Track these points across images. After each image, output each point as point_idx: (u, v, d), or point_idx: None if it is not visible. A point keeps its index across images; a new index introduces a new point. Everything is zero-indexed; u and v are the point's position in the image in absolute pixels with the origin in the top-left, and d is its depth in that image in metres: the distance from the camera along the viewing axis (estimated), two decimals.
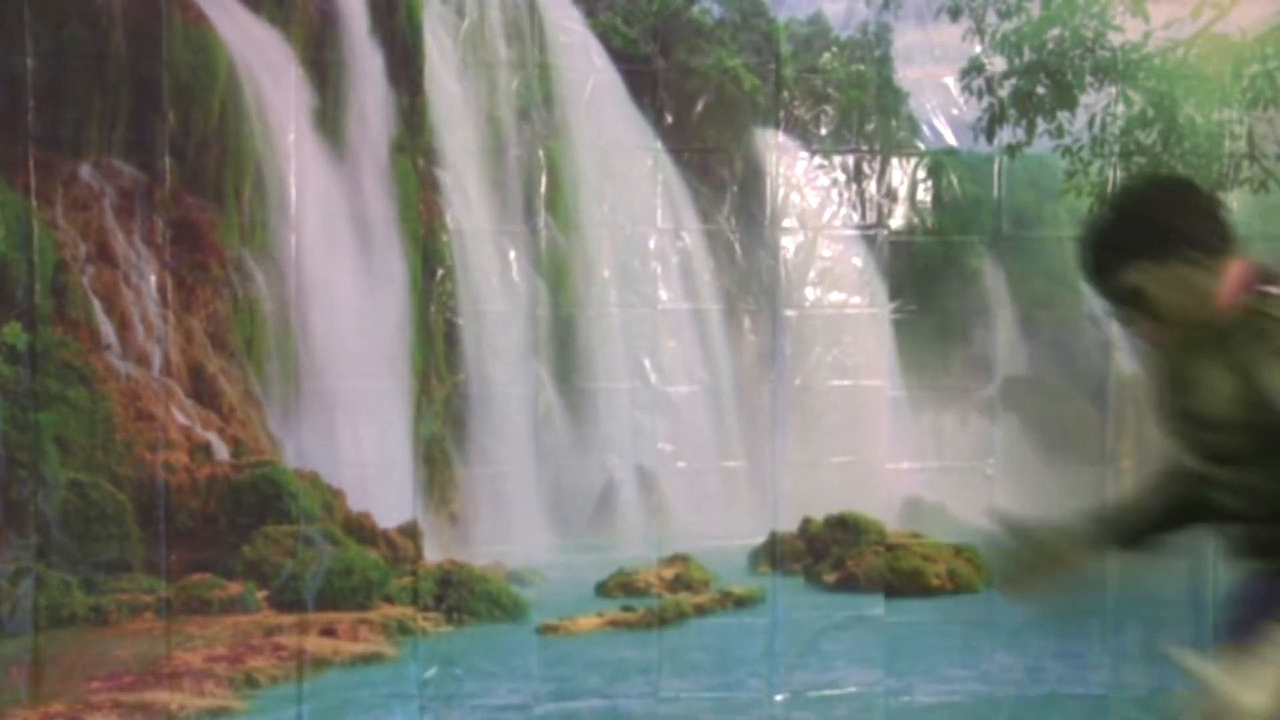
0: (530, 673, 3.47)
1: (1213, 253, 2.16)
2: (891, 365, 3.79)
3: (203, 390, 3.52)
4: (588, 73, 3.66)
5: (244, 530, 3.55)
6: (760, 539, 3.74)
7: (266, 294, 3.53)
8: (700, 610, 3.79)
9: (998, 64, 3.75)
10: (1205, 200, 2.23)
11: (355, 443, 3.55)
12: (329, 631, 3.57)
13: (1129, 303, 2.17)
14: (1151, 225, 2.16)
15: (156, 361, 3.51)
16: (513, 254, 3.62)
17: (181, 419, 3.51)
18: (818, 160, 3.78)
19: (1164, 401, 2.28)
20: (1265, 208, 3.86)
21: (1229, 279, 2.22)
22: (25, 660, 3.46)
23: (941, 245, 3.80)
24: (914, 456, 3.80)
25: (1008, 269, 3.76)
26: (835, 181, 3.79)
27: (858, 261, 3.79)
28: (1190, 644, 3.97)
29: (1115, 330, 3.84)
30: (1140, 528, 2.45)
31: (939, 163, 3.80)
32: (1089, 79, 3.75)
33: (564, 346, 3.64)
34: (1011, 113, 3.75)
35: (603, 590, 3.74)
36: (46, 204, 3.45)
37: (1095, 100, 3.75)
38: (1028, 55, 3.74)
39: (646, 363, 3.68)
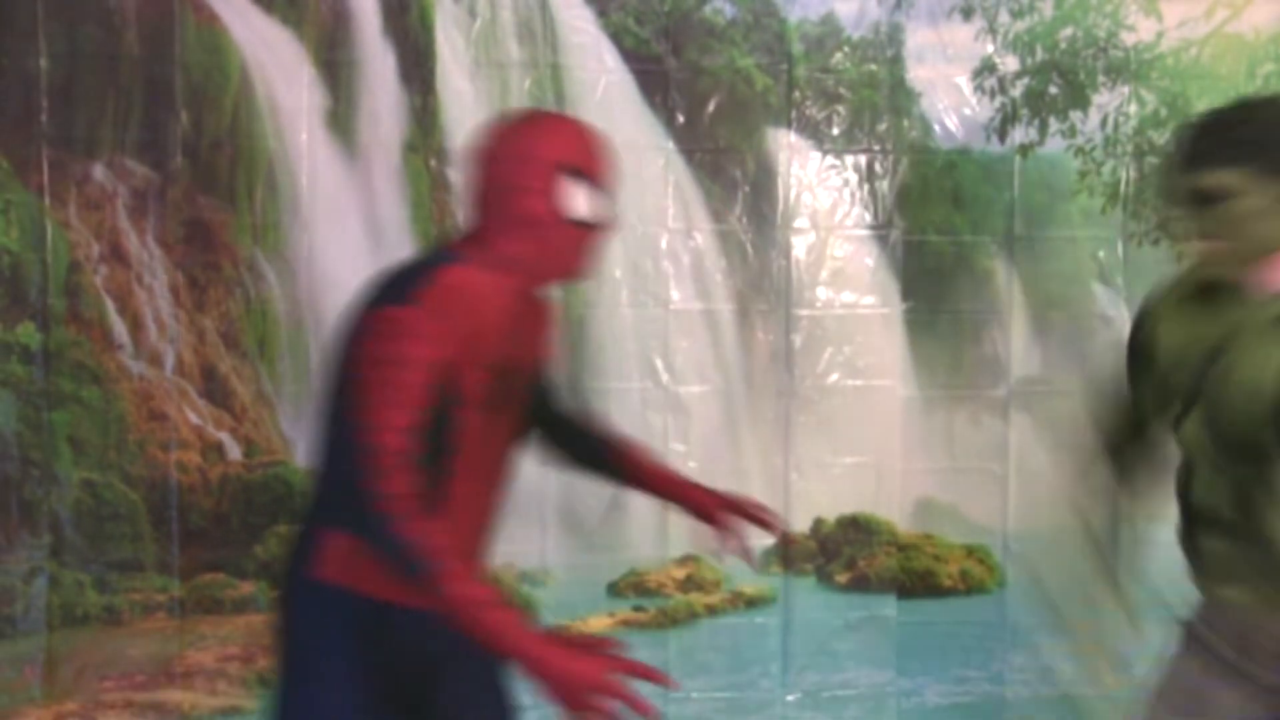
0: None
1: None
2: (904, 365, 3.79)
3: (215, 390, 3.52)
4: (599, 73, 3.65)
5: (256, 530, 3.55)
6: (772, 539, 3.73)
7: (279, 294, 3.54)
8: (712, 610, 3.78)
9: (1010, 64, 3.75)
10: None
11: None
12: None
13: (1205, 206, 2.00)
14: (1275, 140, 1.97)
15: (169, 361, 3.52)
16: None
17: (194, 419, 3.52)
18: (830, 160, 3.78)
19: (1184, 352, 2.14)
20: None
21: None
22: (38, 659, 3.47)
23: (954, 245, 3.79)
24: (926, 457, 3.79)
25: (1021, 269, 3.75)
26: (847, 181, 3.79)
27: (870, 261, 3.79)
28: None
29: (1128, 331, 3.83)
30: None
31: (951, 163, 3.80)
32: (1102, 79, 3.74)
33: (576, 346, 3.64)
34: (1024, 113, 3.75)
35: (614, 590, 3.74)
36: (60, 204, 3.45)
37: (1108, 100, 3.75)
38: (1040, 55, 3.74)
39: (658, 363, 3.68)
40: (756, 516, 2.29)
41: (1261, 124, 2.00)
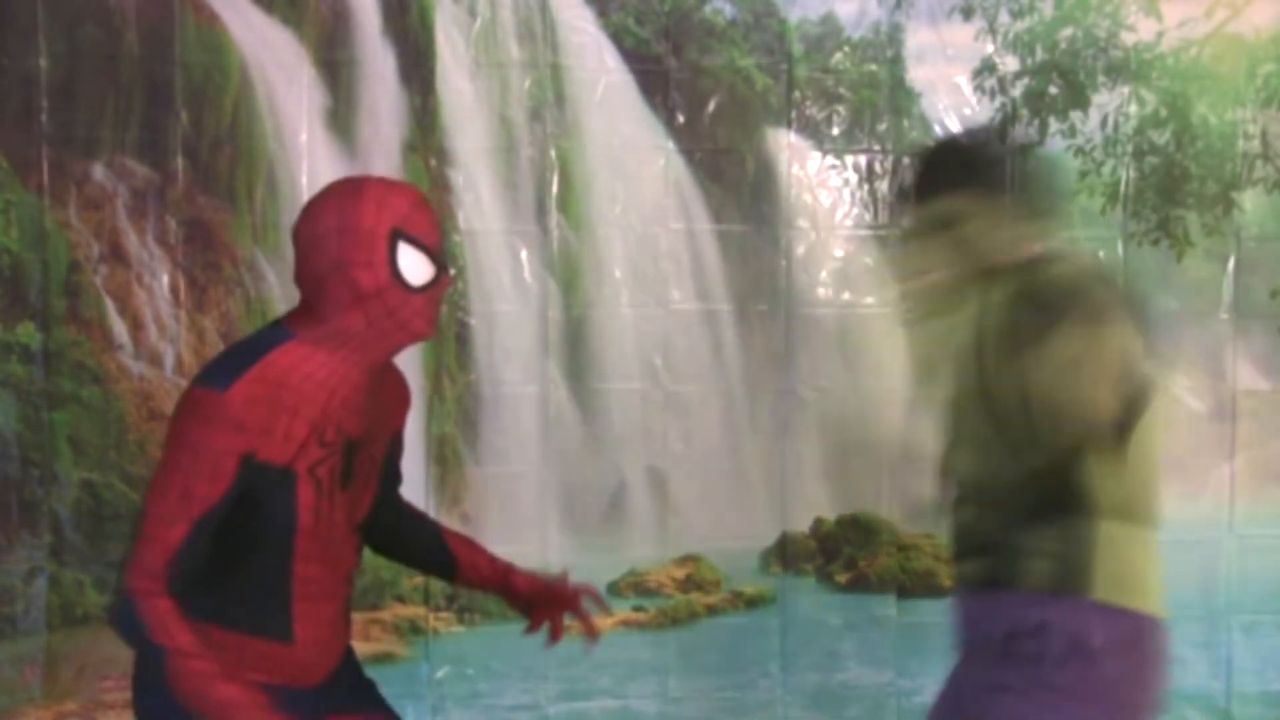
0: (542, 673, 3.47)
1: (1037, 214, 2.20)
2: (903, 365, 3.78)
3: None
4: (600, 73, 3.65)
5: None
6: (772, 539, 3.73)
7: (279, 294, 3.54)
8: (712, 610, 3.78)
9: (1010, 64, 3.75)
10: (1047, 166, 2.31)
11: None
12: None
13: (933, 228, 2.20)
14: (994, 162, 2.21)
15: (169, 361, 3.52)
16: (524, 254, 3.61)
17: None
18: (830, 160, 3.78)
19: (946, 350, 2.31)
20: (1279, 208, 3.85)
21: (1034, 244, 2.20)
22: (38, 659, 3.47)
23: None
24: (926, 457, 3.79)
25: None
26: (847, 181, 3.79)
27: (870, 261, 3.79)
28: (1204, 645, 3.97)
29: None
30: None
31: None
32: (1102, 79, 3.74)
33: (576, 346, 3.64)
34: (1024, 113, 3.75)
35: (614, 590, 3.74)
36: (60, 204, 3.46)
37: (1108, 100, 3.74)
38: (1040, 55, 3.74)
39: (658, 363, 3.68)
40: (575, 606, 2.25)
41: (975, 149, 2.26)
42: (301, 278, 1.89)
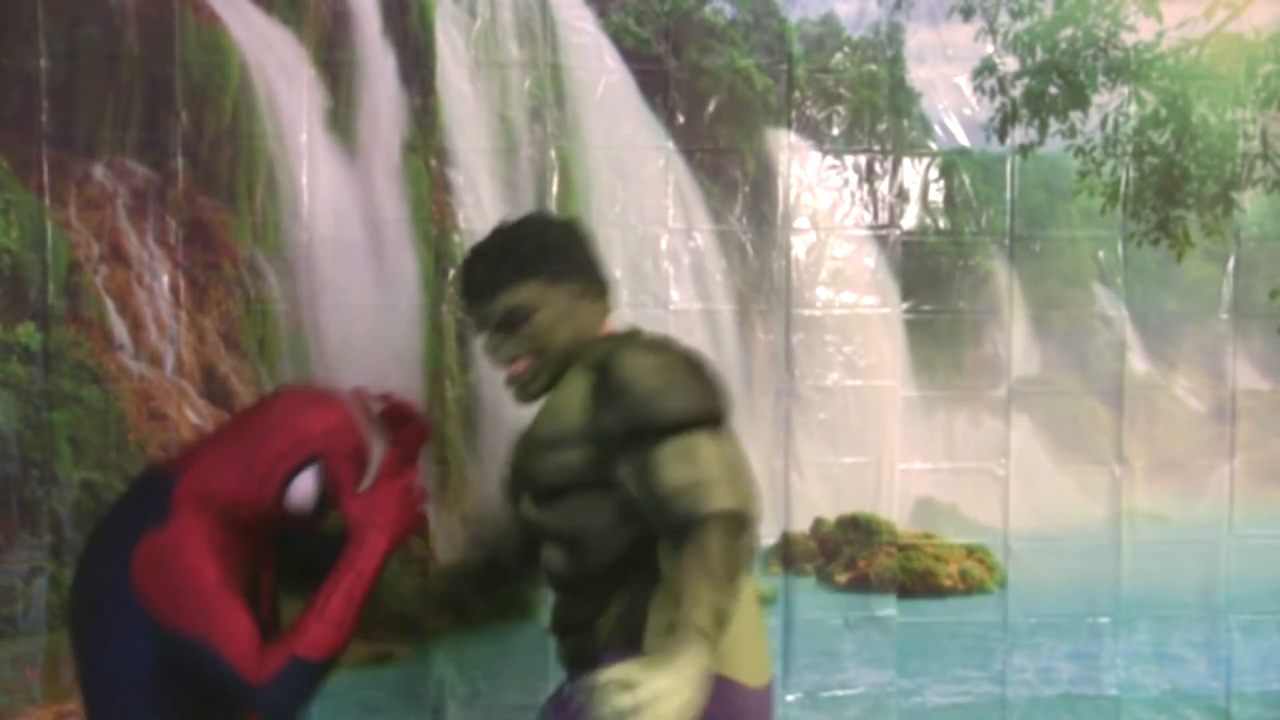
0: (543, 673, 3.47)
1: (592, 285, 2.33)
2: (903, 365, 3.79)
3: (215, 390, 3.52)
4: (599, 73, 3.65)
5: None
6: (772, 539, 3.74)
7: (279, 294, 3.54)
8: None
9: (1010, 64, 3.75)
10: (590, 239, 2.39)
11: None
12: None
13: (509, 322, 2.24)
14: (551, 248, 2.21)
15: (169, 361, 3.52)
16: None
17: (194, 419, 3.52)
18: (830, 160, 3.78)
19: (514, 452, 2.40)
20: (1279, 208, 3.86)
21: (599, 326, 2.36)
22: (39, 659, 3.47)
23: (954, 245, 3.79)
24: (926, 457, 3.79)
25: (1020, 269, 3.75)
26: (847, 182, 3.79)
27: (870, 261, 3.79)
28: (1203, 645, 4.00)
29: (1128, 331, 3.83)
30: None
31: (951, 163, 3.80)
32: (1101, 79, 3.74)
33: None
34: (1024, 113, 3.75)
35: None
36: (60, 204, 3.46)
37: (1108, 100, 3.75)
38: (1040, 55, 3.74)
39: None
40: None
41: (533, 238, 2.29)
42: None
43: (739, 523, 1.99)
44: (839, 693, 3.75)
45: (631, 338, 2.37)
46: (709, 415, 2.11)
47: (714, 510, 1.97)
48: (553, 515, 2.29)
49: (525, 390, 2.39)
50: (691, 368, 2.17)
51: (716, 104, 3.72)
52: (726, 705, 2.05)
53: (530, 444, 2.36)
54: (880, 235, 3.79)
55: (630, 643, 2.11)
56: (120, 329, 3.50)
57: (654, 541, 2.10)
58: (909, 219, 3.80)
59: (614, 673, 1.82)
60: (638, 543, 2.15)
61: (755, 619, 2.25)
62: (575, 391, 2.24)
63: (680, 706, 1.82)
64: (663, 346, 2.24)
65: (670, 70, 3.69)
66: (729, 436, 2.13)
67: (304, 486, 2.05)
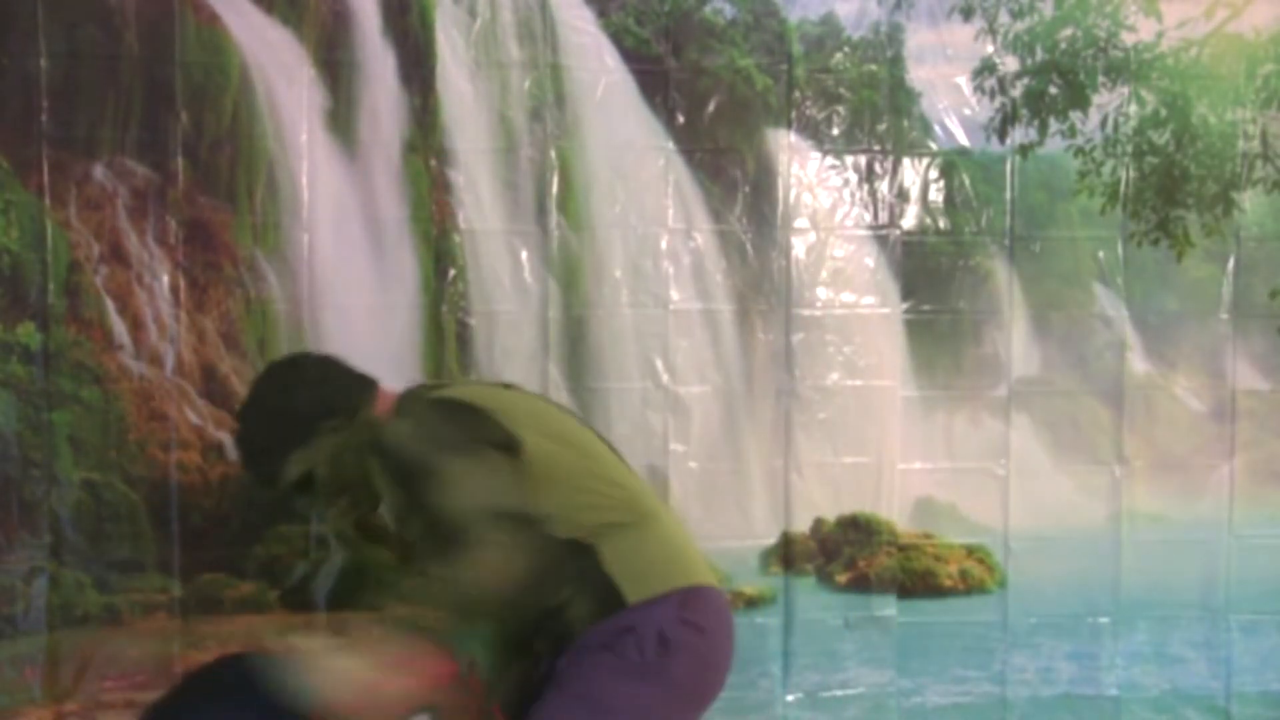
0: None
1: (349, 407, 2.33)
2: (903, 365, 3.79)
3: (215, 390, 3.52)
4: (599, 73, 3.65)
5: (256, 530, 3.55)
6: (772, 539, 3.74)
7: (279, 294, 3.54)
8: None
9: (1010, 64, 3.75)
10: (312, 367, 2.37)
11: None
12: (341, 631, 3.57)
13: (306, 490, 2.28)
14: (280, 416, 2.29)
15: (169, 361, 3.52)
16: (524, 254, 3.61)
17: (194, 419, 3.52)
18: (830, 160, 3.78)
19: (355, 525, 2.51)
20: (1279, 208, 3.86)
21: (379, 410, 2.36)
22: (39, 659, 3.47)
23: (954, 245, 3.79)
24: (926, 457, 3.79)
25: (1020, 269, 3.75)
26: (847, 181, 3.79)
27: (870, 262, 3.79)
28: (1203, 645, 3.98)
29: (1128, 331, 3.83)
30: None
31: (951, 163, 3.80)
32: (1101, 79, 3.74)
33: (575, 347, 3.64)
34: (1024, 113, 3.75)
35: None
36: (60, 204, 3.46)
37: (1108, 100, 3.75)
38: (1040, 55, 3.74)
39: (658, 363, 3.68)
40: None
41: (267, 415, 2.31)
42: None
43: (496, 520, 2.13)
44: (839, 693, 3.75)
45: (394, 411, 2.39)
46: (469, 442, 2.22)
47: (472, 519, 2.13)
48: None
49: (352, 514, 2.48)
50: (439, 410, 2.28)
51: (716, 104, 3.72)
52: (619, 620, 2.21)
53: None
54: (880, 235, 3.79)
55: (608, 611, 2.23)
56: (120, 329, 3.50)
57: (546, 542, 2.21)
58: (909, 219, 3.80)
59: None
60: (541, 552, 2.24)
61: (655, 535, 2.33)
62: (377, 478, 2.32)
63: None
64: (415, 409, 2.32)
65: (670, 70, 3.69)
66: (474, 450, 2.24)
67: None
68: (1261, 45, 3.73)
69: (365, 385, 2.40)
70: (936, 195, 3.80)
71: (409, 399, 2.36)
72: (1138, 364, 3.84)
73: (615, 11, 3.67)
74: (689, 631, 2.21)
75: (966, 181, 3.80)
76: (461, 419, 2.24)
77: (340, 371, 2.43)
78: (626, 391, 3.70)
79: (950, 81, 3.78)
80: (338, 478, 2.34)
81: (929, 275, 3.79)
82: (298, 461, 2.31)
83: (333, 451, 2.31)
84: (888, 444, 3.77)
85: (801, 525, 3.75)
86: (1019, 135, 3.76)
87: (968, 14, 3.74)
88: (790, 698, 3.73)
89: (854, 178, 3.78)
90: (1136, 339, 3.84)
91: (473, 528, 2.09)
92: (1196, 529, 3.84)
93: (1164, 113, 3.75)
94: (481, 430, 2.22)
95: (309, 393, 2.35)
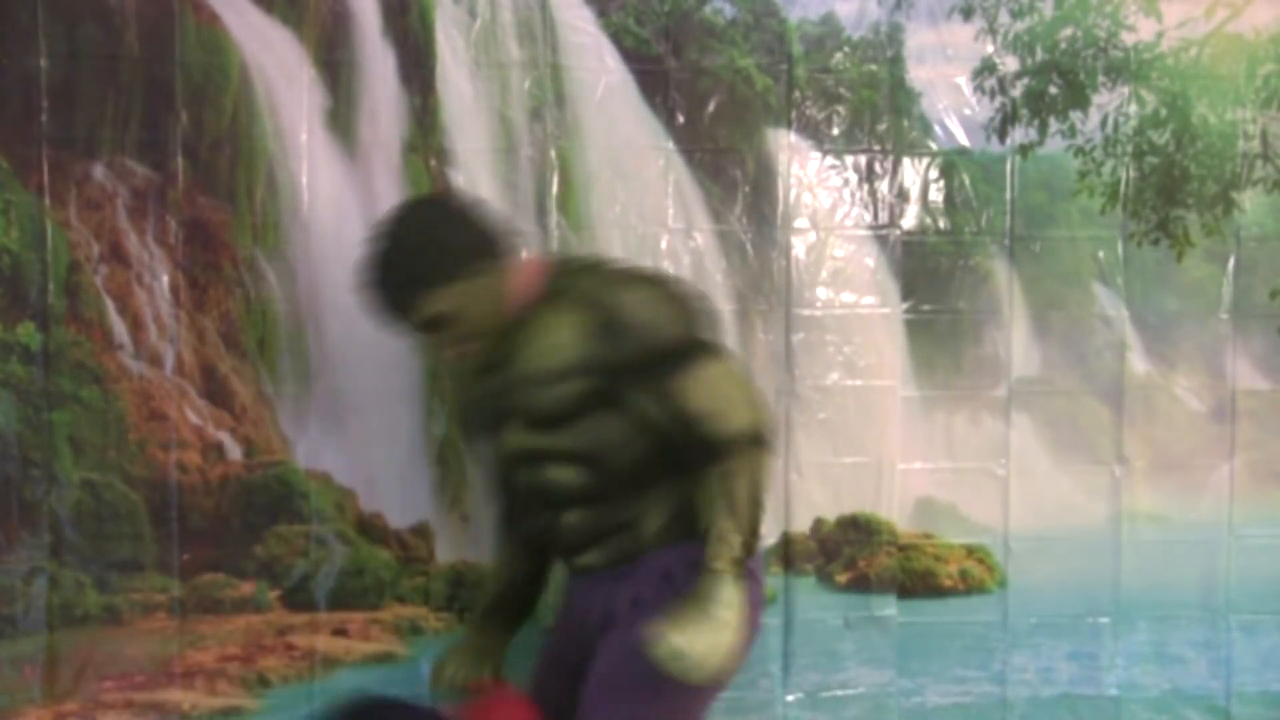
0: None
1: (495, 256, 2.38)
2: (903, 365, 3.79)
3: (215, 390, 3.52)
4: (599, 73, 3.65)
5: (256, 530, 3.55)
6: (772, 539, 3.74)
7: (279, 294, 3.54)
8: None
9: (1010, 64, 3.75)
10: (468, 209, 2.42)
11: (367, 443, 3.55)
12: (341, 631, 3.57)
13: (436, 329, 2.32)
14: (430, 248, 2.28)
15: (169, 361, 3.52)
16: (524, 254, 3.61)
17: (194, 419, 3.52)
18: (830, 160, 3.78)
19: (483, 392, 2.52)
20: (1279, 208, 3.86)
21: (522, 274, 2.45)
22: (39, 659, 3.47)
23: (954, 245, 3.79)
24: (926, 457, 3.79)
25: (1020, 269, 3.75)
26: (847, 181, 3.79)
27: (870, 261, 3.79)
28: (1203, 645, 3.99)
29: (1128, 331, 3.84)
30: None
31: (951, 163, 3.80)
32: (1101, 79, 3.74)
33: None
34: (1024, 113, 3.75)
35: None
36: (60, 204, 3.46)
37: (1108, 100, 3.75)
38: (1040, 55, 3.74)
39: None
40: None
41: (420, 248, 2.37)
42: None
43: (756, 437, 2.33)
44: (839, 693, 3.75)
45: (611, 274, 2.49)
46: (706, 339, 2.38)
47: (733, 432, 2.30)
48: (565, 437, 2.43)
49: (477, 360, 2.50)
50: (676, 297, 2.40)
51: (716, 104, 3.72)
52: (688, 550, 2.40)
53: (516, 381, 2.42)
54: (880, 235, 3.79)
55: (680, 539, 2.42)
56: (120, 329, 3.50)
57: (670, 446, 2.38)
58: (909, 219, 3.80)
59: (664, 642, 2.24)
60: (653, 448, 2.39)
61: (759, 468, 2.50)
62: (565, 330, 2.33)
63: (726, 652, 2.28)
64: (649, 280, 2.44)
65: (670, 70, 3.69)
66: (727, 354, 2.43)
67: None
68: (1261, 45, 3.73)
69: (512, 237, 2.47)
70: (936, 195, 3.80)
71: (618, 269, 2.48)
72: (1138, 364, 3.84)
73: (615, 11, 3.68)
74: (750, 581, 2.38)
75: (966, 181, 3.80)
76: (703, 319, 2.41)
77: (492, 217, 2.50)
78: None
79: (950, 81, 3.78)
80: (469, 322, 2.38)
81: (929, 275, 3.79)
82: (440, 298, 2.35)
83: (476, 293, 2.36)
84: (888, 444, 3.77)
85: (801, 525, 3.75)
86: (1019, 135, 3.76)
87: (968, 14, 3.74)
88: (790, 698, 3.73)
89: (854, 178, 3.78)
90: (1136, 339, 3.84)
91: (734, 436, 2.29)
92: (1196, 529, 3.84)
93: (1164, 113, 3.75)
94: (708, 322, 2.42)
95: (465, 231, 2.40)
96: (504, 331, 2.44)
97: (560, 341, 2.35)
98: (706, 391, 2.30)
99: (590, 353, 2.31)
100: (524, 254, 2.44)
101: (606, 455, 2.41)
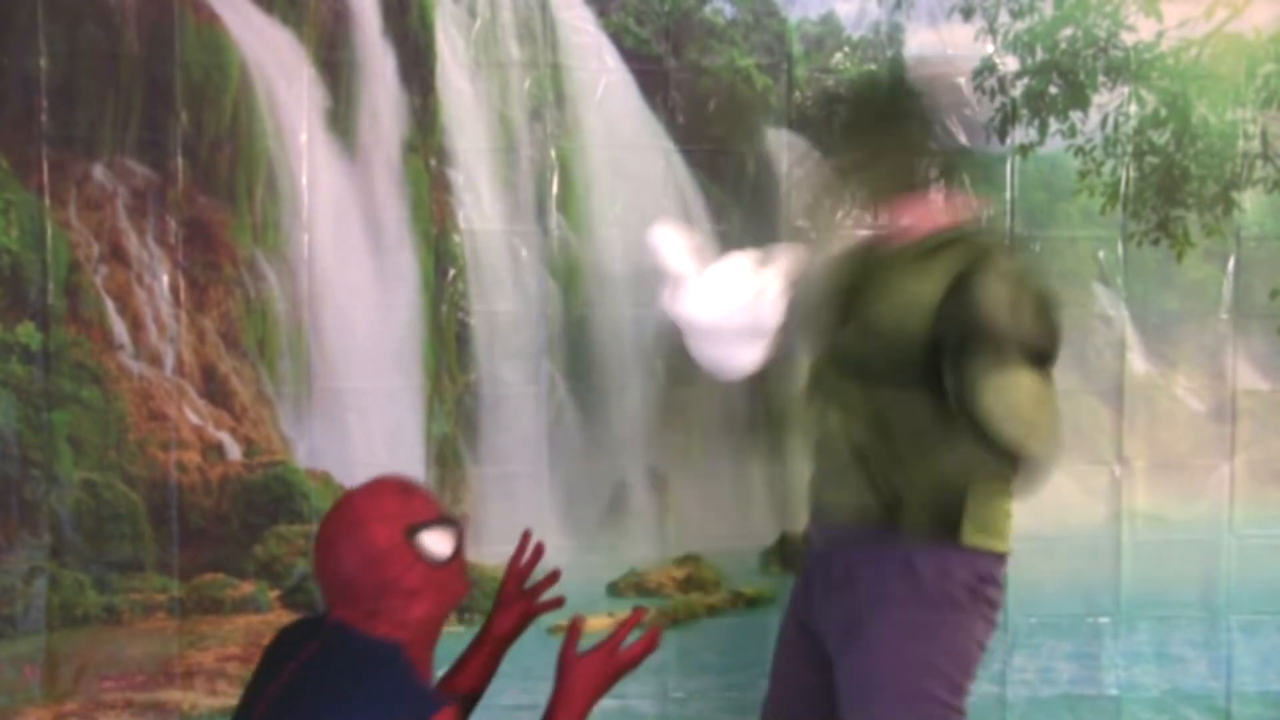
0: (542, 673, 3.46)
1: (951, 172, 2.52)
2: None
3: (215, 390, 3.52)
4: (600, 73, 3.65)
5: (256, 530, 3.55)
6: (772, 539, 3.73)
7: (279, 294, 3.54)
8: (712, 610, 3.78)
9: (1010, 64, 3.75)
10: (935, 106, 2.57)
11: (367, 443, 3.56)
12: None
13: (861, 167, 2.55)
14: (922, 111, 2.53)
15: (169, 361, 3.52)
16: (525, 254, 3.61)
17: (194, 419, 3.52)
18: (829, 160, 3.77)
19: (836, 304, 2.57)
20: (1279, 208, 3.85)
21: (953, 203, 2.51)
22: (38, 659, 3.47)
23: None
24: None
25: None
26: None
27: None
28: (1203, 645, 3.98)
29: (1128, 331, 3.83)
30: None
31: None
32: (1102, 79, 3.74)
33: (576, 346, 3.64)
34: (1024, 113, 3.75)
35: (614, 590, 3.74)
36: (60, 204, 3.46)
37: (1108, 100, 3.75)
38: (1040, 55, 3.74)
39: (659, 363, 3.68)
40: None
41: (920, 109, 2.55)
42: (350, 608, 2.03)
43: (1038, 470, 2.33)
44: None
45: (999, 255, 2.46)
46: (1039, 354, 2.34)
47: (1012, 445, 2.26)
48: (878, 399, 2.42)
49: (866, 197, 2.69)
50: (1041, 306, 2.37)
51: (716, 104, 3.72)
52: (984, 568, 2.41)
53: (869, 331, 2.45)
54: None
55: (936, 541, 2.38)
56: (120, 329, 3.50)
57: (954, 420, 2.32)
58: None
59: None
60: (937, 415, 2.34)
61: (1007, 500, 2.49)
62: (935, 283, 2.35)
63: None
64: (1024, 278, 2.41)
65: (670, 70, 3.69)
66: (1049, 380, 2.38)
67: (431, 539, 2.08)
68: (1261, 45, 3.73)
69: (960, 177, 2.57)
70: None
71: (1006, 253, 2.53)
72: (1138, 364, 3.84)
73: (615, 11, 3.68)
74: (990, 603, 2.41)
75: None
76: (1049, 323, 2.40)
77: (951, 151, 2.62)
78: (627, 391, 3.70)
79: (950, 81, 3.77)
80: (890, 182, 2.48)
81: None
82: (896, 148, 2.48)
83: (912, 174, 2.49)
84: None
85: (801, 525, 3.74)
86: (1019, 135, 3.76)
87: (968, 14, 3.74)
88: None
89: None
90: (1136, 339, 3.84)
91: (1012, 447, 2.26)
92: (1196, 529, 3.84)
93: (1164, 112, 3.75)
94: (1054, 344, 2.41)
95: (938, 141, 2.48)
96: (881, 254, 2.49)
97: (920, 296, 2.35)
98: (1003, 397, 2.25)
99: (940, 301, 2.30)
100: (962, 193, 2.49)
101: (898, 430, 2.40)
